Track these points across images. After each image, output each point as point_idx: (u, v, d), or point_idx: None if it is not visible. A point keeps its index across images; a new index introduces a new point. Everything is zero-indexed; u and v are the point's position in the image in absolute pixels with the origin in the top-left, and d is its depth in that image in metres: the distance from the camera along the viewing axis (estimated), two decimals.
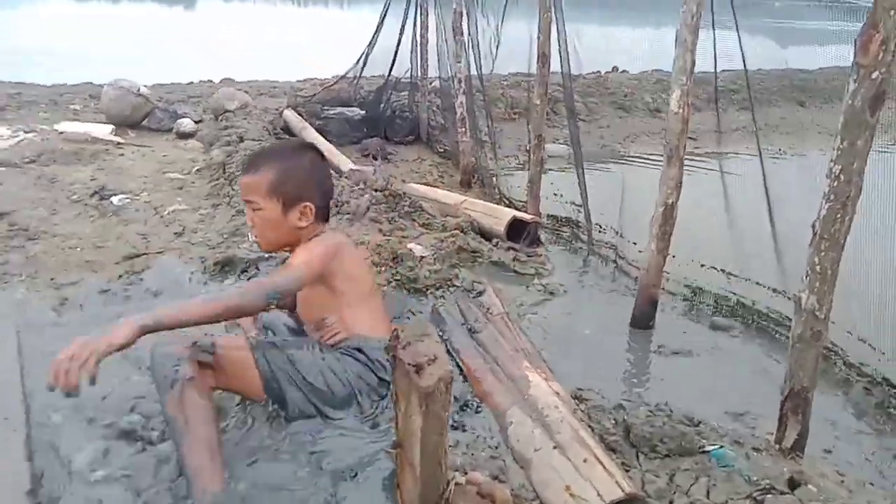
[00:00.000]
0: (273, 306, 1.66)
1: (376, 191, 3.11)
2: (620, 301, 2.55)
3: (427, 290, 2.50)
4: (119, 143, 3.98)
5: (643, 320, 2.29)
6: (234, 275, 2.53)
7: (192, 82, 6.63)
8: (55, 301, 2.28)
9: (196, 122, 4.50)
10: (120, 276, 2.48)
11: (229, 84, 6.15)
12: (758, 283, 2.52)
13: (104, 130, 4.15)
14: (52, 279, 2.42)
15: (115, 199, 3.08)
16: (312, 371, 1.69)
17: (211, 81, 6.64)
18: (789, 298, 1.76)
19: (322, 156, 1.92)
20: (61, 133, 4.02)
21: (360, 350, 1.75)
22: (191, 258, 2.67)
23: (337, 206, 2.97)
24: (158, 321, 1.38)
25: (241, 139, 3.71)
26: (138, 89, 4.34)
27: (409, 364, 0.86)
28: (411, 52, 4.78)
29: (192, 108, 4.98)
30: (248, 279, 2.50)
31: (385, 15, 4.52)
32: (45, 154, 3.58)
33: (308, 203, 1.75)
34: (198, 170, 3.53)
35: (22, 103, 4.83)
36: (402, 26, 4.55)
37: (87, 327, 1.53)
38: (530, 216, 3.06)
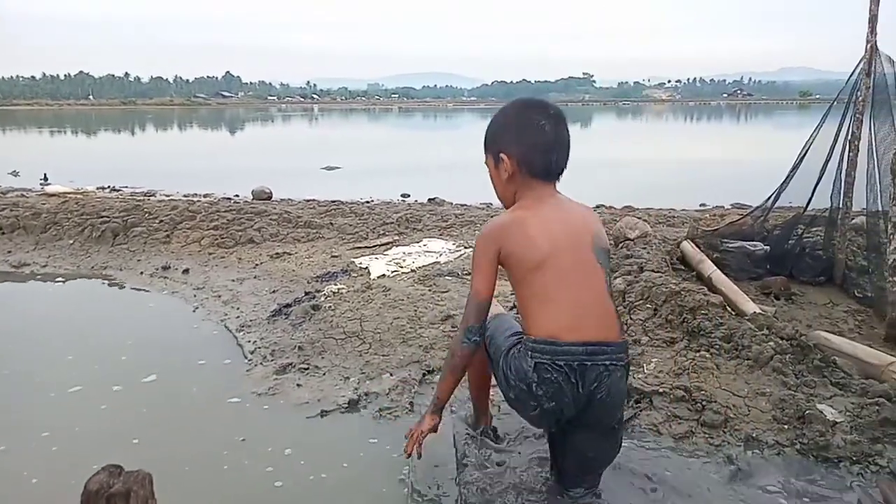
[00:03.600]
0: (479, 342, 1.87)
1: (782, 338, 2.92)
2: None
3: (840, 461, 2.23)
4: None
5: None
6: (629, 404, 2.65)
7: (596, 207, 7.27)
8: None
9: None
10: None
11: (630, 212, 6.57)
12: None
13: None
14: None
15: None
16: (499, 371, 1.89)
17: (613, 208, 7.19)
18: None
19: (529, 105, 1.85)
20: None
21: (530, 352, 1.75)
22: None
23: (737, 351, 2.90)
24: (436, 406, 2.04)
25: (641, 269, 3.90)
26: None
27: None
28: (833, 186, 4.42)
29: None
30: None
31: (807, 150, 4.30)
32: None
33: (503, 153, 1.82)
34: None
35: (464, 222, 5.97)
36: (827, 160, 4.26)
37: None
38: None
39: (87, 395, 2.88)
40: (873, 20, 4.05)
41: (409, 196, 8.58)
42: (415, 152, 18.39)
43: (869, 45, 4.08)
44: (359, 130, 35.48)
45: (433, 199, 7.96)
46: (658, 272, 3.82)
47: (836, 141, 4.30)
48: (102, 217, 5.82)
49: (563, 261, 1.75)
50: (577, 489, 1.97)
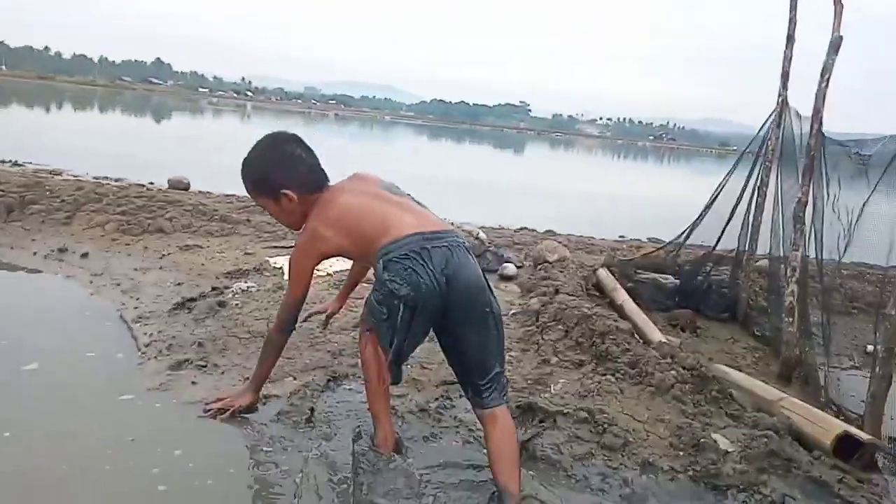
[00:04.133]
0: (293, 329, 2.28)
1: (684, 368, 3.00)
2: None
3: (728, 489, 2.30)
4: None
5: None
6: (533, 422, 2.64)
7: (519, 229, 7.38)
8: None
9: (517, 268, 4.96)
10: (437, 399, 2.79)
11: (551, 236, 6.70)
12: None
13: None
14: None
15: None
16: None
17: (535, 231, 7.31)
18: None
19: (278, 141, 2.19)
20: None
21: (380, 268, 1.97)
22: None
23: (640, 377, 2.96)
24: (256, 385, 2.39)
25: (557, 291, 3.96)
26: (478, 234, 5.02)
27: None
28: (741, 229, 4.65)
29: (515, 254, 5.51)
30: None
31: (719, 193, 4.53)
32: None
33: (283, 189, 2.10)
34: (513, 313, 3.85)
35: None
36: (736, 204, 4.49)
37: None
38: (867, 436, 2.62)
39: None
40: (785, 76, 4.32)
41: None
42: (349, 160, 18.18)
43: (781, 99, 4.34)
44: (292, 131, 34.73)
45: None
46: (572, 296, 3.88)
47: (745, 186, 4.54)
48: None
49: (373, 209, 2.06)
50: (489, 394, 2.04)
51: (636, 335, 3.56)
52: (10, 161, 8.50)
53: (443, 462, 2.28)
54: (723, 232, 4.69)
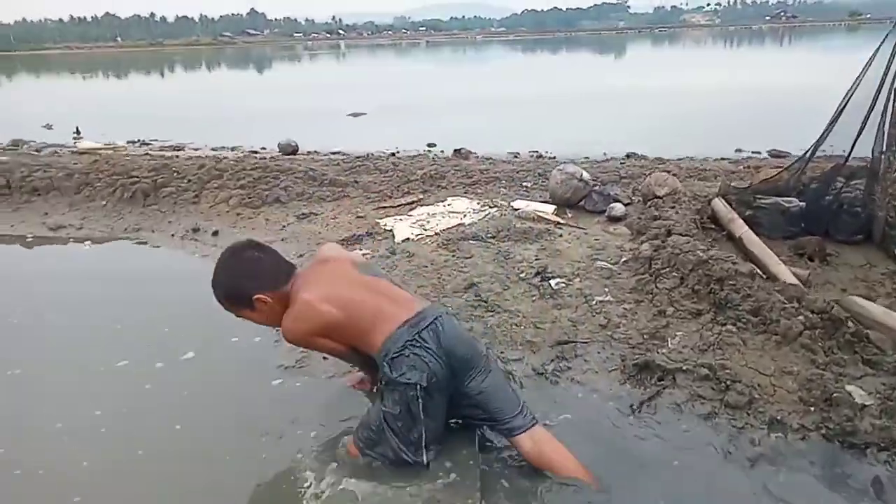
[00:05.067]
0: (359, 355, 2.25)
1: (813, 312, 2.85)
2: None
3: (867, 448, 2.21)
4: (559, 223, 4.53)
5: None
6: (651, 381, 2.65)
7: (626, 157, 7.09)
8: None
9: (625, 205, 4.81)
10: (552, 360, 2.85)
11: (660, 164, 6.38)
12: None
13: (548, 209, 4.78)
14: (501, 353, 2.92)
15: (552, 283, 3.52)
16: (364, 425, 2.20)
17: (644, 159, 6.98)
18: None
19: (235, 252, 2.24)
20: (516, 210, 4.78)
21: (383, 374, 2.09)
22: (612, 353, 2.89)
23: (764, 325, 2.85)
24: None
25: (669, 233, 3.82)
26: (581, 175, 4.89)
27: None
28: (876, 137, 4.15)
29: (623, 189, 5.32)
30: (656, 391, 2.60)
31: (857, 86, 3.98)
32: (502, 231, 4.32)
33: (255, 296, 2.16)
34: (625, 261, 3.77)
35: (489, 178, 5.88)
36: (872, 106, 3.97)
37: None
38: None
39: (133, 372, 2.96)
40: None
41: (434, 146, 8.46)
42: (441, 91, 17.99)
43: None
44: (385, 68, 34.86)
45: (459, 150, 7.82)
46: (686, 236, 3.73)
47: (886, 74, 3.92)
48: (132, 177, 5.88)
49: (349, 295, 2.16)
50: (524, 417, 2.16)
51: (758, 273, 3.38)
52: (139, 141, 9.21)
53: (562, 420, 2.36)
54: (857, 138, 4.16)
